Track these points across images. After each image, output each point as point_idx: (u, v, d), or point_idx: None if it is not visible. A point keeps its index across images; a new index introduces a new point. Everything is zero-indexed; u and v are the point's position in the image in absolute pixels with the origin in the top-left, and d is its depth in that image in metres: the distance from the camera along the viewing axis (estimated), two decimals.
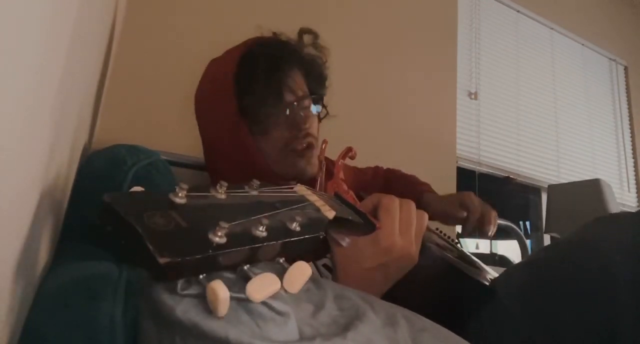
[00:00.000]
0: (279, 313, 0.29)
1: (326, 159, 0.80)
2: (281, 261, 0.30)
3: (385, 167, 1.08)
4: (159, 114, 0.88)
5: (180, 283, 0.28)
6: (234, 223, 0.27)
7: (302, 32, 0.90)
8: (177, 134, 0.83)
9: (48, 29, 0.27)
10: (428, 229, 0.64)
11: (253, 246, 0.27)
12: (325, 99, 0.91)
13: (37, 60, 0.26)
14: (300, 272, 0.29)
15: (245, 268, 0.28)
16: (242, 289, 0.27)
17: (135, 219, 0.24)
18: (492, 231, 0.86)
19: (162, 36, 1.33)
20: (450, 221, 0.90)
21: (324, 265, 0.63)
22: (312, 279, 0.37)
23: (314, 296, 0.33)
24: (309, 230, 0.32)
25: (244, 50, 0.80)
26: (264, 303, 0.28)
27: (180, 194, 0.28)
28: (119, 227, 0.25)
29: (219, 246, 0.25)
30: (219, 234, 0.25)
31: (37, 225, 0.35)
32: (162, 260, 0.22)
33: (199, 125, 0.84)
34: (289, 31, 0.90)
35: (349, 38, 1.76)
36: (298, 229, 0.31)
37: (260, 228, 0.28)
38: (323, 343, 0.28)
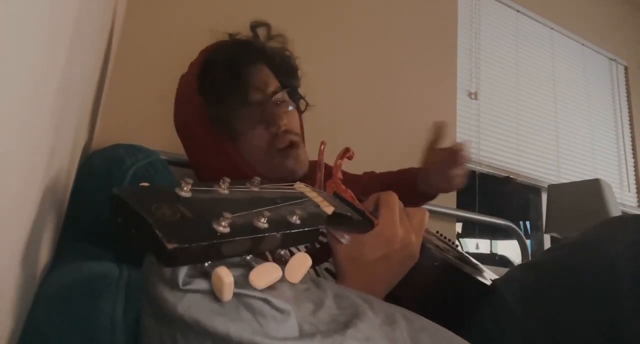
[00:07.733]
0: (279, 310, 0.29)
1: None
2: (282, 253, 0.31)
3: (377, 172, 1.07)
4: (159, 114, 0.88)
5: (182, 278, 0.29)
6: (236, 214, 0.28)
7: (255, 25, 0.85)
8: (176, 134, 0.83)
9: (47, 29, 0.27)
10: (428, 231, 0.64)
11: (255, 236, 0.28)
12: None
13: (36, 60, 0.26)
14: (301, 262, 0.30)
15: (248, 257, 0.29)
16: (246, 278, 0.28)
17: (145, 210, 0.25)
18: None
19: (161, 36, 1.33)
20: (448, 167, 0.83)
21: (326, 269, 0.63)
22: (311, 279, 0.37)
23: (314, 295, 0.33)
24: (308, 223, 0.33)
25: (202, 60, 0.77)
26: (265, 301, 0.29)
27: (185, 188, 0.29)
28: (128, 218, 0.26)
29: (223, 235, 0.26)
30: (223, 224, 0.27)
31: (37, 225, 0.35)
32: (170, 246, 0.24)
33: (183, 140, 0.82)
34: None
35: (349, 38, 1.76)
36: (298, 222, 0.32)
37: (262, 220, 0.29)
38: (323, 340, 0.28)
